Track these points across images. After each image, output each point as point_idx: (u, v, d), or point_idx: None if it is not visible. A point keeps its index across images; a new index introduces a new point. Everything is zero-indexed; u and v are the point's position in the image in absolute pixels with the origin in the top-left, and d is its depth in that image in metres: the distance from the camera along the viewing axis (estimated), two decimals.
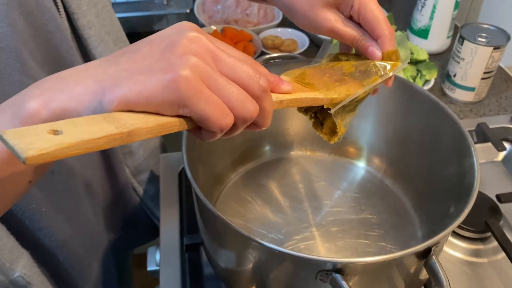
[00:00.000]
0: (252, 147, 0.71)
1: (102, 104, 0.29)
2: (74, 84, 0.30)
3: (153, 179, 0.78)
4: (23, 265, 0.51)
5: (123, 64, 0.31)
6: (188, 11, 1.13)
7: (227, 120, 0.31)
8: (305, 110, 0.50)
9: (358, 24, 0.48)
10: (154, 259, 0.66)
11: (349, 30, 0.48)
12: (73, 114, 0.29)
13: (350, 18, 0.48)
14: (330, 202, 0.66)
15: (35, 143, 0.24)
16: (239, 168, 0.70)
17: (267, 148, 0.72)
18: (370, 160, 0.71)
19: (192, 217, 0.64)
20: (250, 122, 0.33)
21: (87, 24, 0.57)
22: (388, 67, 0.47)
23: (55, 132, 0.26)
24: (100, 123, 0.28)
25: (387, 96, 0.64)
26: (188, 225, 0.67)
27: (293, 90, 0.39)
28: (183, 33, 0.31)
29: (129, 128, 0.28)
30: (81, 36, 0.58)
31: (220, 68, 0.32)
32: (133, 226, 0.79)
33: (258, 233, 0.61)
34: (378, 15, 0.46)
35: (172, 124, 0.31)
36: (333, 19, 0.48)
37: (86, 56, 0.60)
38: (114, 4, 1.11)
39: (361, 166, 0.71)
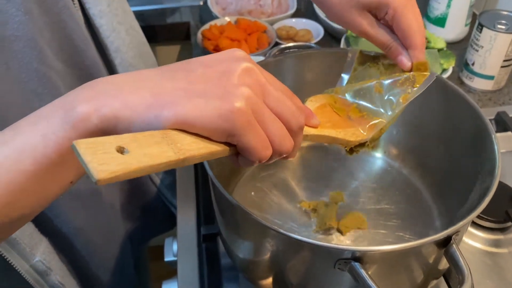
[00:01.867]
0: None
1: (159, 118, 0.30)
2: (128, 92, 0.31)
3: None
4: (42, 251, 0.52)
5: (179, 81, 0.32)
6: (201, 3, 1.12)
7: (267, 152, 0.33)
8: None
9: (391, 29, 0.49)
10: (171, 250, 0.66)
11: (380, 36, 0.49)
12: (125, 122, 0.30)
13: (384, 21, 0.49)
14: (347, 192, 0.65)
15: (106, 163, 0.26)
16: None
17: None
18: (387, 150, 0.70)
19: (209, 208, 0.64)
20: (285, 155, 0.35)
21: (99, 14, 0.58)
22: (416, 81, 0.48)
23: (122, 150, 0.27)
24: (160, 144, 0.29)
25: None
26: (205, 215, 0.67)
27: (319, 124, 0.41)
28: (238, 62, 0.33)
29: (185, 154, 0.29)
30: (93, 25, 0.58)
31: (267, 101, 0.33)
32: (150, 215, 0.80)
33: (275, 223, 0.61)
34: (412, 26, 0.47)
35: (219, 152, 0.32)
36: (365, 23, 0.49)
37: (100, 45, 0.60)
38: None
39: (378, 156, 0.70)
